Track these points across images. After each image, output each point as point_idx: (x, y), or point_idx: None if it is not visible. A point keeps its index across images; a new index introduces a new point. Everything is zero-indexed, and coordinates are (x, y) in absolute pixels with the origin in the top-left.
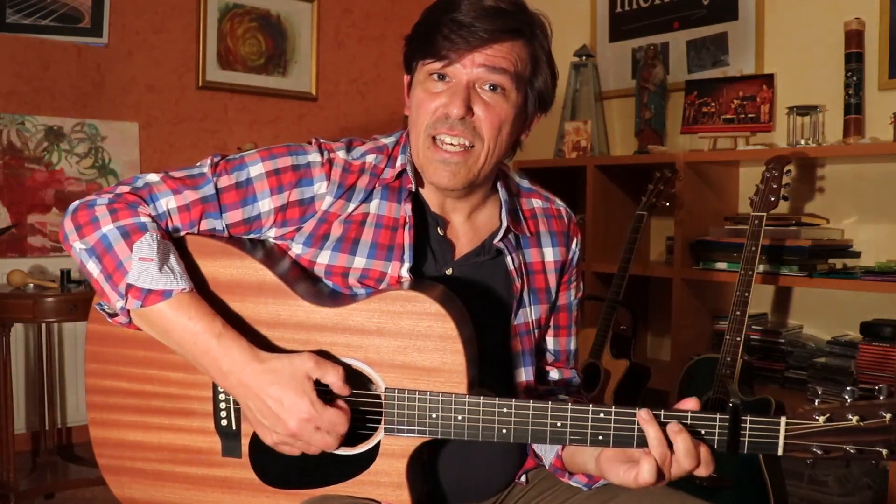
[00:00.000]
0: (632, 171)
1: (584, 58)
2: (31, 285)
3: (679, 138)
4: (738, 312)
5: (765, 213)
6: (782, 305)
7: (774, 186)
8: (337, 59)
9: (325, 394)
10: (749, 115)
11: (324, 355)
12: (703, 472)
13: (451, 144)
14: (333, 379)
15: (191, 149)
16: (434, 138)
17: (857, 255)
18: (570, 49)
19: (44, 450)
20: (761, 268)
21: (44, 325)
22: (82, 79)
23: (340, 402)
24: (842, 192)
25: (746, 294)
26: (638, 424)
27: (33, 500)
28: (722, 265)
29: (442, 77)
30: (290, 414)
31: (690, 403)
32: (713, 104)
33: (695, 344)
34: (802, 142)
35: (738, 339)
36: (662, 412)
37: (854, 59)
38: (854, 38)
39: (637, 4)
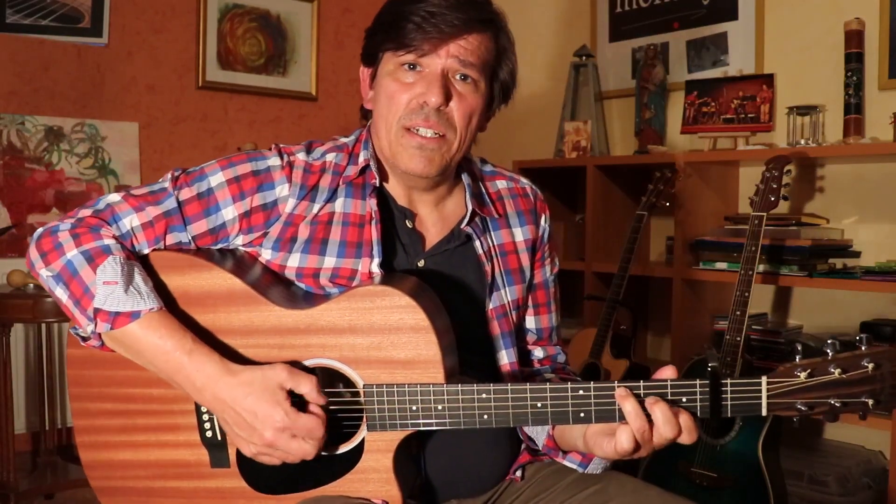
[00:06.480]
0: (632, 171)
1: (584, 58)
2: (31, 285)
3: (679, 138)
4: (738, 312)
5: (765, 213)
6: (782, 305)
7: (774, 186)
8: (337, 59)
9: (301, 403)
10: (749, 115)
11: (300, 359)
12: (686, 439)
13: (426, 134)
14: (307, 389)
15: (191, 149)
16: (407, 129)
17: (857, 255)
18: (570, 49)
19: (44, 450)
20: (761, 268)
21: (44, 325)
22: (82, 79)
23: (314, 408)
24: (842, 192)
25: (746, 294)
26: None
27: (33, 500)
28: (722, 265)
29: (413, 67)
30: (264, 424)
31: (668, 372)
32: (713, 104)
33: (695, 344)
34: (802, 142)
35: (738, 339)
36: (642, 383)
37: (854, 59)
38: (854, 38)
39: (637, 4)
